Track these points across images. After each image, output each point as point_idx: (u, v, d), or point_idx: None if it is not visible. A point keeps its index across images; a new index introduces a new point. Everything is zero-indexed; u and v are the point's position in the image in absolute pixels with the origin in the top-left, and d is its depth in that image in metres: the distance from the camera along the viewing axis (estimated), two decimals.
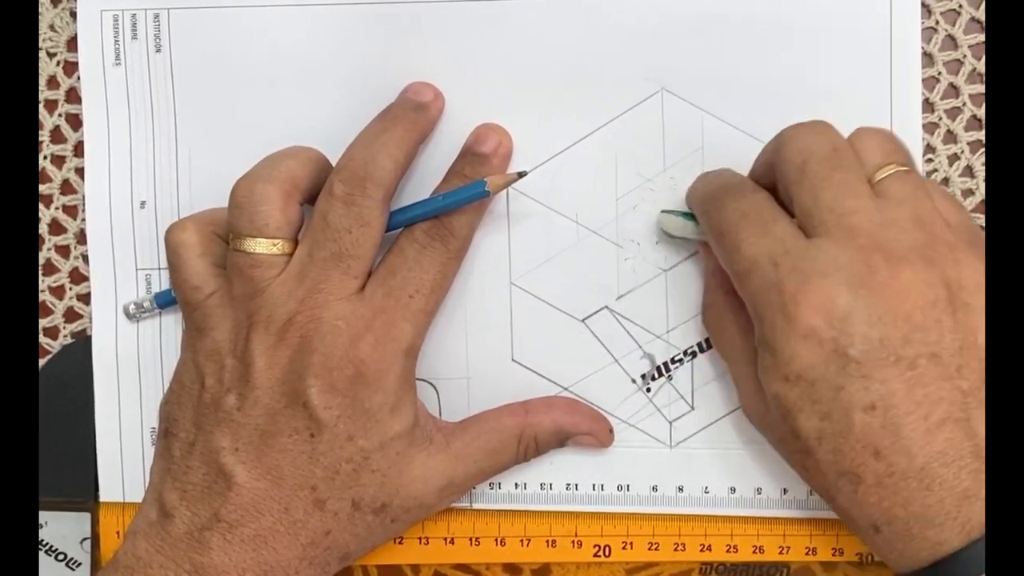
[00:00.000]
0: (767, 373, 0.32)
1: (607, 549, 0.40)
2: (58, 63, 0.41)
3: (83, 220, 0.41)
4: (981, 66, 0.38)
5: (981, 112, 0.38)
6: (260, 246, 0.34)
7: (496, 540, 0.40)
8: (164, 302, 0.40)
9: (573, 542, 0.40)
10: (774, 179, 0.34)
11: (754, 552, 0.39)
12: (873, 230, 0.31)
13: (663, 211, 0.38)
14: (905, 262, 0.31)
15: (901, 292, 0.30)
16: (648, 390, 0.39)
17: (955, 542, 0.30)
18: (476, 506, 0.40)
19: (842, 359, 0.30)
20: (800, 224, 0.33)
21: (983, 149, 0.39)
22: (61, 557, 0.41)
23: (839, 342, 0.30)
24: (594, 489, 0.40)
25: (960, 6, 0.38)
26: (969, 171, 0.39)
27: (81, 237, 0.41)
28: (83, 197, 0.41)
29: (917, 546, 0.30)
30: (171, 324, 0.40)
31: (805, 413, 0.31)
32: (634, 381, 0.39)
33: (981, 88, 0.39)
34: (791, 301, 0.31)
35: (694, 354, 0.39)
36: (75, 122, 0.41)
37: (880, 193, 0.33)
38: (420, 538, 0.40)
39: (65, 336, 0.42)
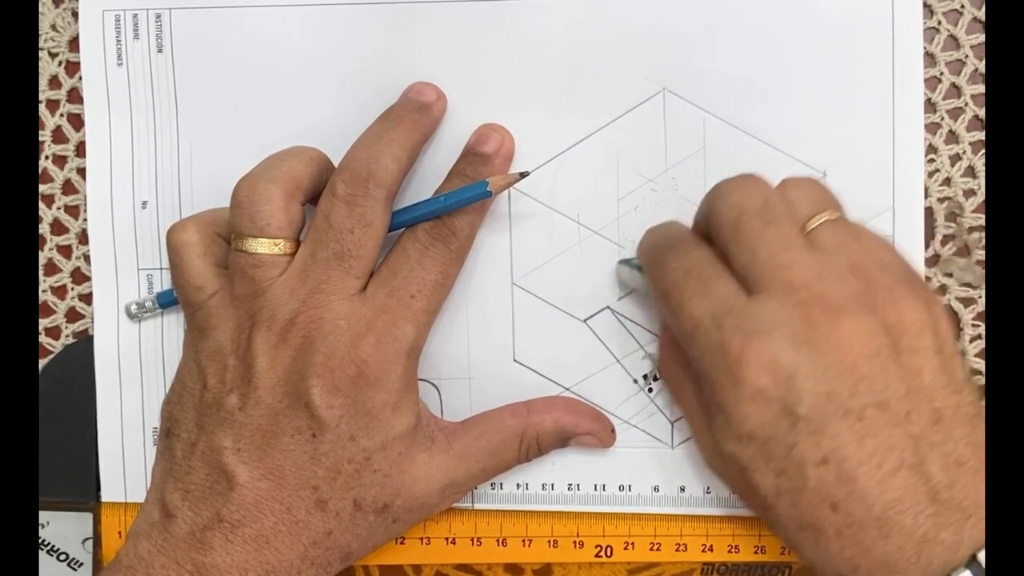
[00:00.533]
0: (720, 433, 0.33)
1: (609, 549, 0.40)
2: (60, 63, 0.41)
3: (85, 220, 0.41)
4: (983, 66, 0.38)
5: (983, 112, 0.38)
6: (262, 246, 0.34)
7: (498, 540, 0.40)
8: (166, 302, 0.40)
9: (575, 542, 0.40)
10: None
11: (756, 552, 0.39)
12: (811, 282, 0.31)
13: (620, 261, 0.38)
14: (844, 312, 0.31)
15: (843, 344, 0.30)
16: (650, 390, 0.39)
17: None
18: (478, 506, 0.40)
19: (791, 417, 0.31)
20: (740, 280, 0.33)
21: (985, 149, 0.39)
22: (63, 557, 0.41)
23: (787, 400, 0.31)
24: (596, 489, 0.40)
25: (962, 6, 0.38)
26: (971, 171, 0.39)
27: (83, 237, 0.41)
28: (85, 197, 0.41)
29: None
30: (173, 324, 0.40)
31: (761, 471, 0.32)
32: (636, 381, 0.39)
33: (983, 88, 0.38)
34: (736, 363, 0.31)
35: None
36: (77, 122, 0.41)
37: (813, 243, 0.33)
38: (422, 538, 0.40)
39: (67, 336, 0.42)
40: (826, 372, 0.30)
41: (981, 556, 0.29)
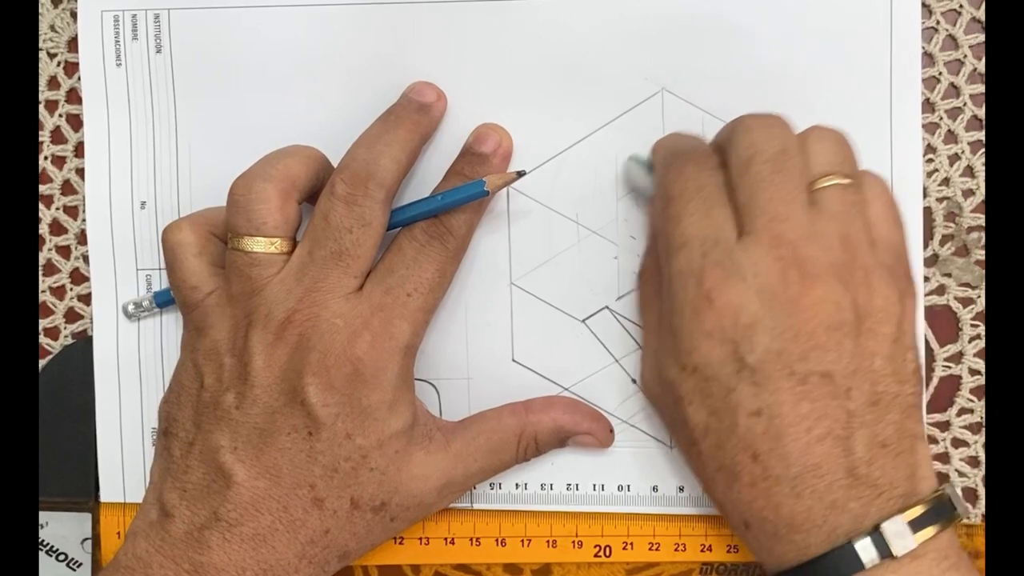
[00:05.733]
0: (667, 356, 0.33)
1: (608, 549, 0.40)
2: (59, 64, 0.41)
3: (84, 221, 0.41)
4: (982, 66, 0.38)
5: (982, 112, 0.38)
6: (258, 245, 0.35)
7: (497, 540, 0.40)
8: (163, 301, 0.40)
9: (574, 542, 0.40)
10: None
11: None
12: (797, 243, 0.32)
13: (630, 157, 0.38)
14: (819, 281, 0.31)
15: (809, 309, 0.31)
16: None
17: (820, 547, 0.31)
18: (477, 506, 0.40)
19: (738, 363, 0.31)
20: (737, 216, 0.33)
21: (983, 149, 0.39)
22: (62, 557, 0.41)
23: (739, 347, 0.31)
24: (595, 489, 0.40)
25: (961, 6, 0.38)
26: (970, 171, 0.39)
27: (82, 238, 0.41)
28: (83, 198, 0.41)
29: (783, 547, 0.32)
30: (172, 324, 0.40)
31: (695, 405, 0.33)
32: (634, 381, 0.39)
33: (982, 88, 0.38)
34: (705, 296, 0.32)
35: None
36: (76, 123, 0.41)
37: (816, 202, 0.33)
38: (420, 538, 0.40)
39: (66, 336, 0.42)
40: (784, 332, 0.31)
41: (884, 527, 0.30)
